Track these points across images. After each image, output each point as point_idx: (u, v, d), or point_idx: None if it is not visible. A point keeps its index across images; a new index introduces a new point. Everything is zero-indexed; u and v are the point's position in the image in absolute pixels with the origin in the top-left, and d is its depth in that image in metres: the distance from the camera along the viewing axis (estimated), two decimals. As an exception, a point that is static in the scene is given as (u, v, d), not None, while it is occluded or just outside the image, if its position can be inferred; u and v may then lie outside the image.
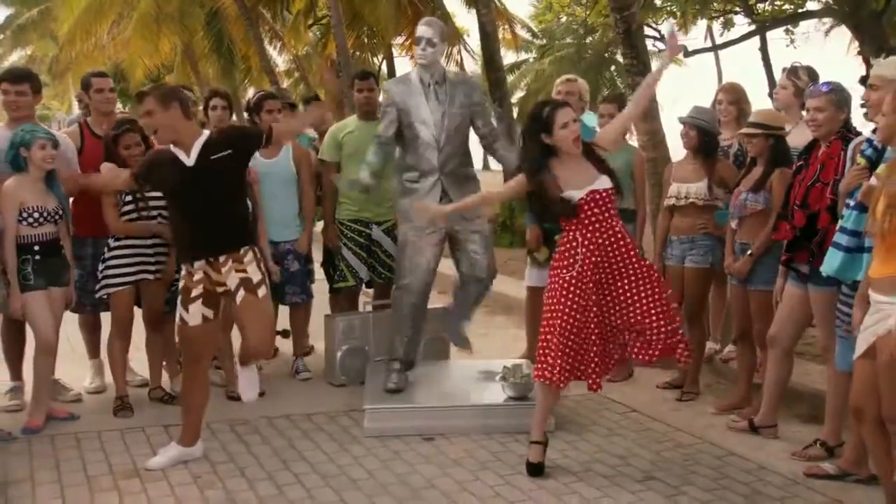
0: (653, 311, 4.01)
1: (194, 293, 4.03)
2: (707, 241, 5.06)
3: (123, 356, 5.05)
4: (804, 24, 17.41)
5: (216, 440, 4.49)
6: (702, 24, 21.60)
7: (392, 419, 4.63)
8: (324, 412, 4.92)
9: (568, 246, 4.00)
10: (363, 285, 5.96)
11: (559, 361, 3.91)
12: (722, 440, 4.49)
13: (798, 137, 4.63)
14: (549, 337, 3.96)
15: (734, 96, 5.39)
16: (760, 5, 17.72)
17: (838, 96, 4.07)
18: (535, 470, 4.03)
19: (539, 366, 3.99)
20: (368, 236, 5.72)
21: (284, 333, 5.98)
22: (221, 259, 4.00)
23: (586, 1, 19.14)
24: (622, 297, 4.02)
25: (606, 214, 3.99)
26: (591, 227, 3.97)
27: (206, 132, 4.09)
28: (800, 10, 16.88)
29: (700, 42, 35.16)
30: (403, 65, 26.37)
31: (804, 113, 4.33)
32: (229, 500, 3.80)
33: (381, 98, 5.79)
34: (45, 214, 4.60)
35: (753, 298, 4.70)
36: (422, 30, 4.95)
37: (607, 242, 3.98)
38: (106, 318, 5.25)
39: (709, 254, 5.07)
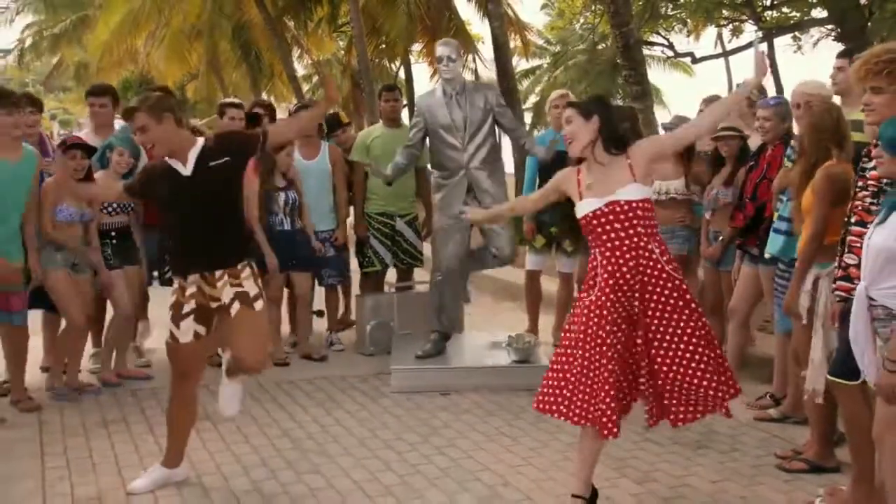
0: (700, 364, 3.44)
1: (186, 308, 3.80)
2: (684, 232, 5.81)
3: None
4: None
5: (267, 393, 5.40)
6: (712, 31, 22.33)
7: (415, 378, 5.49)
8: (356, 375, 5.81)
9: (591, 265, 3.52)
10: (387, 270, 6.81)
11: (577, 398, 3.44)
12: (690, 395, 5.31)
13: (752, 141, 5.47)
14: (557, 366, 3.52)
15: (711, 107, 6.20)
16: (768, 13, 18.42)
17: (783, 109, 4.92)
18: None
19: (540, 398, 3.56)
20: (393, 227, 6.57)
21: (319, 313, 6.87)
22: (217, 273, 3.78)
23: (597, 9, 19.89)
24: (654, 338, 3.45)
25: (630, 231, 3.40)
26: (609, 245, 3.43)
27: (202, 140, 3.86)
28: (805, 18, 17.61)
29: (710, 49, 35.89)
30: (420, 70, 27.28)
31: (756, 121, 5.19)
32: (284, 435, 4.68)
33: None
34: (121, 205, 5.52)
35: (724, 278, 5.54)
36: (441, 49, 5.75)
37: (632, 264, 3.40)
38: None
39: (686, 243, 5.82)
